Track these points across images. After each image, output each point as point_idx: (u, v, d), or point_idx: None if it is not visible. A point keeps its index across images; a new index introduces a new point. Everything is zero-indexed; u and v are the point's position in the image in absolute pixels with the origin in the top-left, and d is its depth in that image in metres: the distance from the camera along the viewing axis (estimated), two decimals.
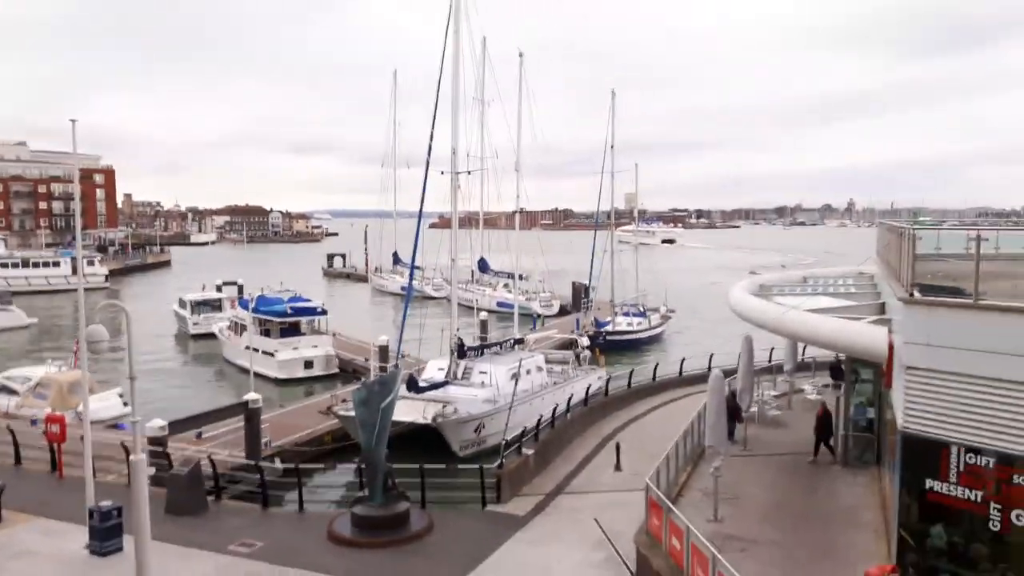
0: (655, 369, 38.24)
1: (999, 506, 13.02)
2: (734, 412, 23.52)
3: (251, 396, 27.73)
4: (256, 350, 43.54)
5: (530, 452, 24.67)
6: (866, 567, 15.59)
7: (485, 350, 36.80)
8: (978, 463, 13.25)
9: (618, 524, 19.91)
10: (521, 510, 21.84)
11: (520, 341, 39.44)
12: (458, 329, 36.47)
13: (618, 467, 24.88)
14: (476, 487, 22.70)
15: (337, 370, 46.89)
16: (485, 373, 33.40)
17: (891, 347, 15.94)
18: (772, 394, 30.48)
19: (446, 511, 22.00)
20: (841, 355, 24.66)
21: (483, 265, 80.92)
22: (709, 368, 32.02)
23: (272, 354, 45.99)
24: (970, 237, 14.11)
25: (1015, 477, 12.84)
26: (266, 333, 47.84)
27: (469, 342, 37.63)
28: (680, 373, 38.29)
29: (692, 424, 22.85)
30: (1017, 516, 12.84)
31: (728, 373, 25.24)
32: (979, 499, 13.24)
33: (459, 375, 34.32)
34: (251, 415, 27.35)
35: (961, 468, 13.43)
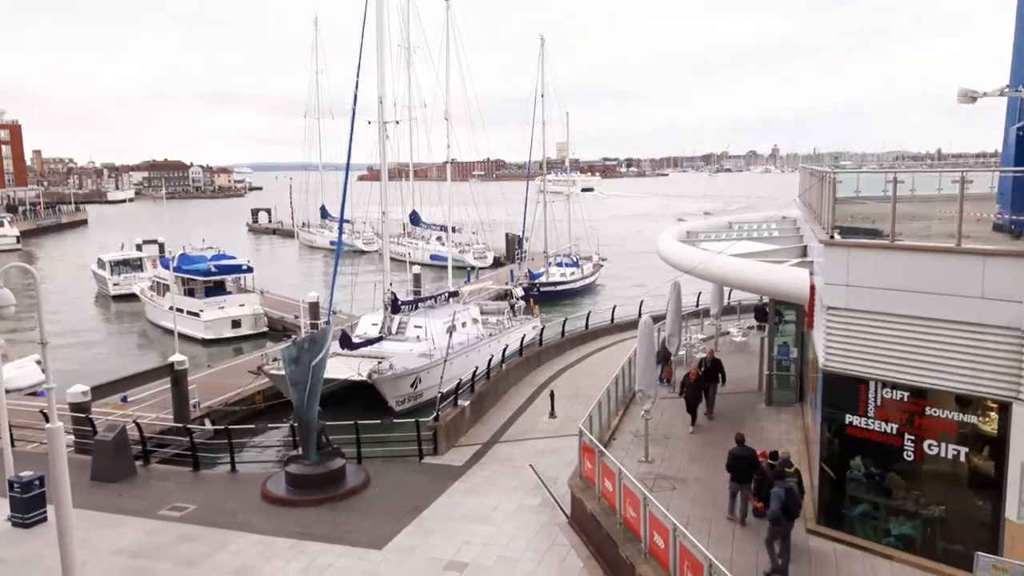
0: (588, 317, 38.70)
1: (912, 437, 13.67)
2: (664, 357, 24.02)
3: (176, 357, 26.98)
4: (180, 310, 42.39)
5: (466, 403, 24.76)
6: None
7: (419, 304, 36.53)
8: (893, 397, 13.84)
9: (553, 469, 20.26)
10: (458, 460, 21.99)
11: (455, 294, 39.29)
12: (391, 284, 36.07)
13: (552, 414, 25.23)
14: (412, 441, 22.73)
15: (266, 329, 46.00)
16: (420, 327, 33.21)
17: (812, 288, 16.39)
18: (700, 337, 31.22)
19: (383, 466, 21.99)
20: (766, 297, 25.32)
21: (415, 218, 79.99)
22: (639, 315, 32.52)
23: (197, 314, 44.77)
24: (887, 180, 14.48)
25: (927, 409, 13.47)
26: (190, 293, 46.47)
27: (403, 296, 37.30)
28: (612, 320, 38.84)
29: (623, 369, 23.25)
30: (928, 446, 13.51)
31: (657, 319, 25.71)
32: (894, 431, 13.87)
33: (393, 330, 34.06)
34: (177, 377, 26.65)
35: (878, 403, 14.02)
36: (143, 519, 18.50)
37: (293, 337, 32.24)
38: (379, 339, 32.76)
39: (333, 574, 15.68)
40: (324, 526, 17.92)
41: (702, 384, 21.40)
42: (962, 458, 13.21)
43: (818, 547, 14.50)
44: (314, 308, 41.67)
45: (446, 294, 38.66)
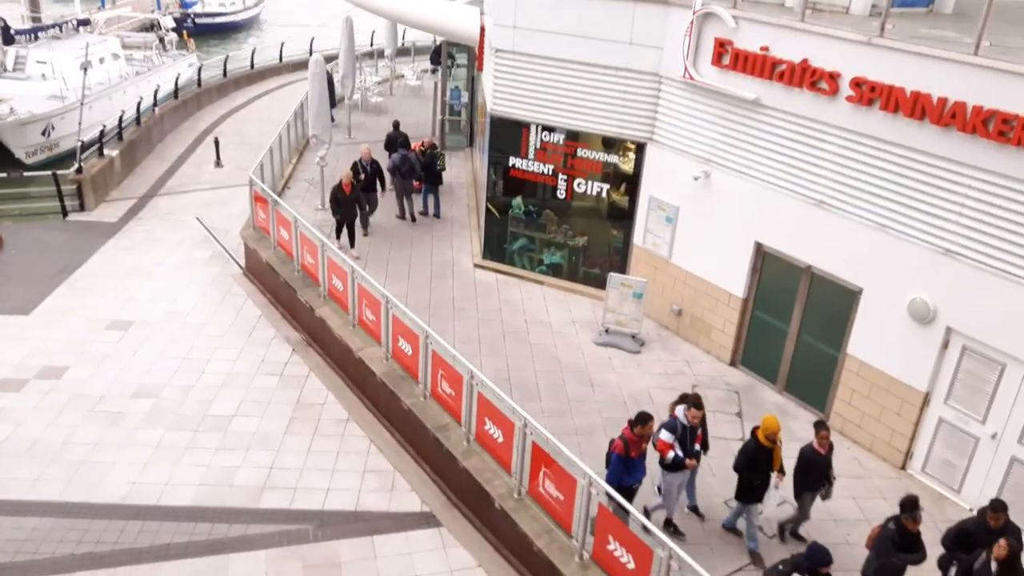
0: (253, 55, 35.48)
1: (565, 177, 15.07)
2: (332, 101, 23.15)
3: None
4: None
5: (114, 153, 22.01)
6: (459, 235, 17.46)
7: (40, 33, 30.50)
8: (551, 140, 14.94)
9: (222, 221, 19.28)
10: (111, 216, 19.90)
11: (86, 22, 33.25)
12: None
13: (219, 163, 23.56)
14: (52, 197, 19.97)
15: None
16: (44, 63, 28.01)
17: (483, 30, 16.44)
18: (374, 80, 30.46)
19: (18, 226, 19.25)
20: (441, 39, 25.05)
21: None
22: (310, 53, 30.55)
23: None
24: None
25: (578, 151, 14.80)
26: None
27: (17, 24, 30.74)
28: (280, 59, 36.13)
29: (295, 114, 22.10)
30: (578, 184, 15.03)
31: (330, 59, 24.34)
32: (550, 172, 15.15)
33: (9, 67, 28.37)
34: None
35: (538, 145, 15.06)
36: None
37: None
38: None
39: None
40: None
41: (357, 197, 16.73)
42: (604, 194, 14.97)
43: (482, 278, 15.98)
44: None
45: (74, 22, 32.59)
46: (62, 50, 28.70)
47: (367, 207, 17.41)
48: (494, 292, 15.47)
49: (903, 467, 11.24)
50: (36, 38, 29.98)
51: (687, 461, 9.30)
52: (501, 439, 10.05)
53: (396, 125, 19.98)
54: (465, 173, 21.41)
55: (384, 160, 18.63)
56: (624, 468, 9.02)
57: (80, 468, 11.05)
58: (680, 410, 9.52)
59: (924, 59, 10.04)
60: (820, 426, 9.34)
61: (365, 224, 17.57)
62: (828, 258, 11.68)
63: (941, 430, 10.80)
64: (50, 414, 12.15)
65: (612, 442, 9.27)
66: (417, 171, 17.91)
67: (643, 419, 9.02)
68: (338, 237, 16.64)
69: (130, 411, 12.31)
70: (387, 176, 18.52)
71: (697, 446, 9.54)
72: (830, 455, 9.35)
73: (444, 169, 18.81)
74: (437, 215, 18.62)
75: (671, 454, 9.23)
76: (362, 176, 17.25)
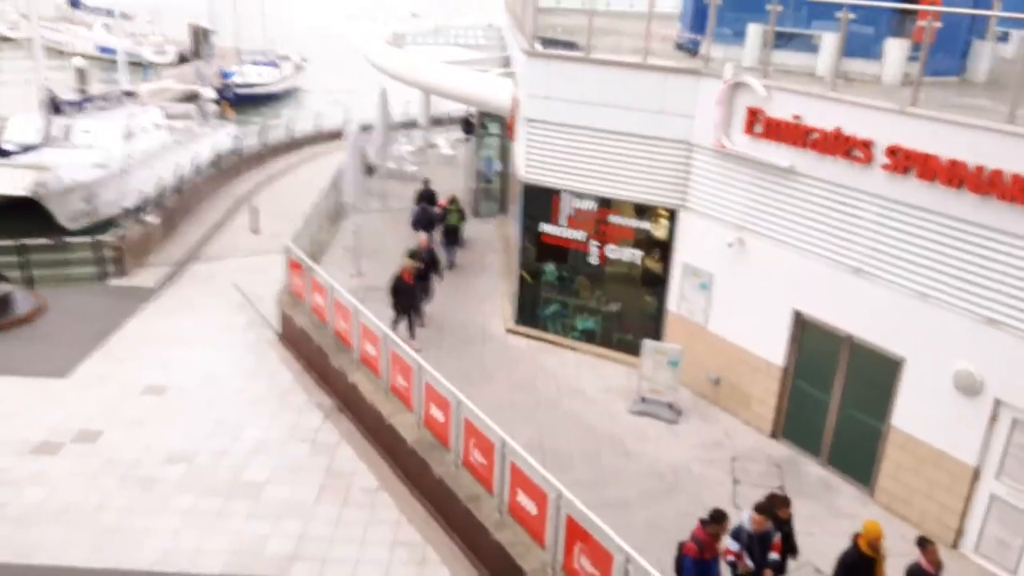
0: (290, 125, 36.50)
1: (597, 243, 15.09)
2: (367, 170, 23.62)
3: None
4: None
5: (154, 220, 22.57)
6: (491, 301, 17.44)
7: (87, 104, 31.61)
8: (582, 207, 15.02)
9: (259, 288, 19.53)
10: (149, 281, 20.29)
11: (131, 94, 34.49)
12: (47, 79, 30.56)
13: (256, 230, 24.01)
14: (92, 262, 20.43)
15: None
16: (90, 132, 28.95)
17: (515, 100, 16.75)
18: (408, 149, 31.06)
19: (60, 291, 19.65)
20: (472, 108, 25.57)
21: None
22: (346, 123, 31.34)
23: None
24: None
25: (610, 217, 14.85)
26: None
27: (65, 95, 31.91)
28: (317, 129, 37.10)
29: (331, 182, 22.54)
30: (611, 250, 15.03)
31: (365, 128, 24.91)
32: (583, 238, 15.19)
33: (57, 135, 29.33)
34: None
35: (570, 212, 15.14)
36: None
37: None
38: (39, 146, 28.09)
39: (10, 407, 14.01)
40: None
41: (419, 285, 15.90)
42: (637, 261, 14.94)
43: (515, 344, 15.90)
44: None
45: (120, 93, 33.82)
46: (107, 120, 29.65)
47: (425, 297, 16.41)
48: (527, 358, 15.36)
49: (954, 546, 10.76)
50: (83, 108, 31.05)
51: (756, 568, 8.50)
52: (534, 511, 9.82)
53: (426, 182, 21.60)
54: (498, 239, 21.55)
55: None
56: (698, 572, 8.30)
57: (112, 534, 11.00)
58: (745, 515, 8.78)
59: (959, 128, 9.98)
60: (925, 542, 8.31)
61: (420, 314, 16.12)
62: (868, 327, 11.44)
63: (994, 507, 10.36)
64: (84, 478, 12.17)
65: (683, 545, 8.52)
66: (435, 223, 19.54)
67: (717, 518, 8.38)
68: (394, 328, 14.76)
69: (163, 476, 12.30)
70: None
71: (775, 554, 8.66)
72: (940, 573, 8.31)
73: (454, 224, 19.55)
74: (448, 265, 19.32)
75: (732, 559, 8.57)
76: (421, 265, 16.01)
